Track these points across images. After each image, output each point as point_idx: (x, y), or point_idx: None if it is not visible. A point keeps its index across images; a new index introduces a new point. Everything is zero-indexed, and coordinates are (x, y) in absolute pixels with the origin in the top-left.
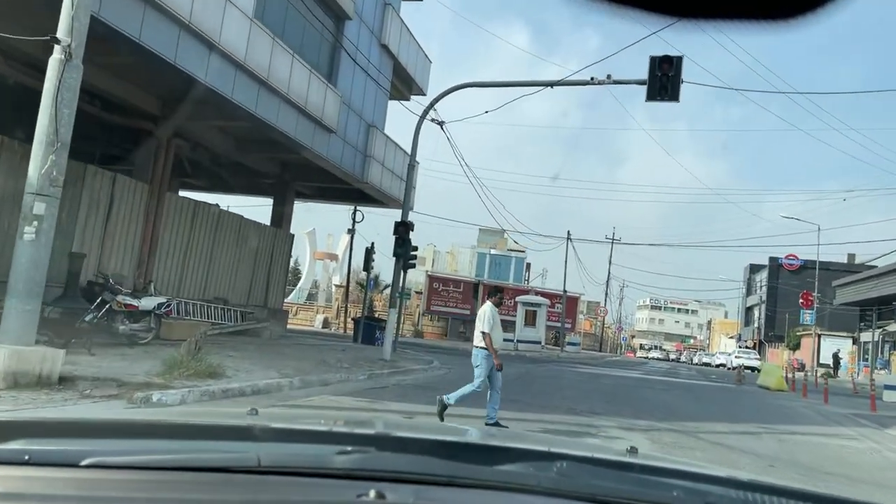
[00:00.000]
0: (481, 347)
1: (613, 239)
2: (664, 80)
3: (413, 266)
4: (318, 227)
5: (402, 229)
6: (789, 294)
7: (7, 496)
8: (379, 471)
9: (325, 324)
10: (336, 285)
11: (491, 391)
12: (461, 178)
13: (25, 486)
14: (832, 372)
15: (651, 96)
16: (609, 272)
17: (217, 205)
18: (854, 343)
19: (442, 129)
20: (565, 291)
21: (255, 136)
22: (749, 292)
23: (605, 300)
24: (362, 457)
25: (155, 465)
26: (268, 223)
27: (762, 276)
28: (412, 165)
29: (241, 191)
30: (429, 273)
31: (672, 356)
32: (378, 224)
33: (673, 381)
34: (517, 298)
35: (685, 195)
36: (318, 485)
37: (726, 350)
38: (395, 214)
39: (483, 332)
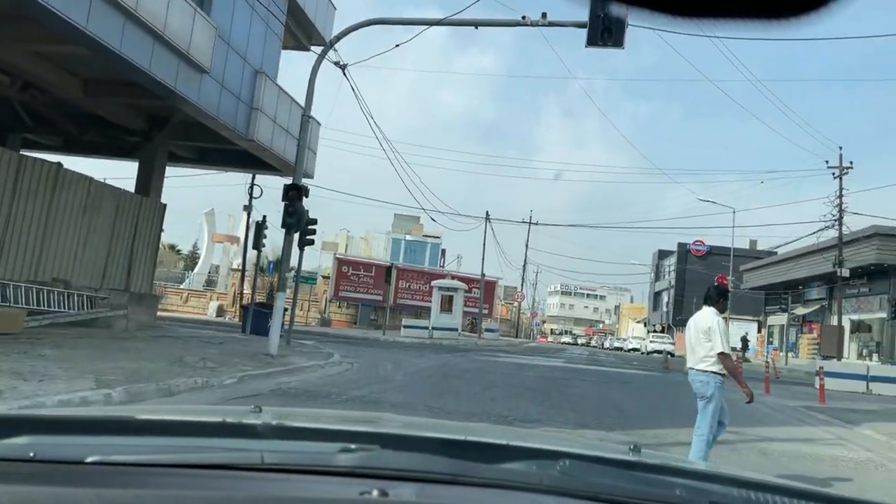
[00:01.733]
0: (714, 373)
1: (531, 220)
2: (607, 21)
3: (311, 242)
4: (219, 208)
5: (294, 194)
6: (696, 279)
7: (12, 493)
8: (382, 469)
9: (220, 312)
10: (233, 269)
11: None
12: (378, 153)
13: (31, 482)
14: (743, 355)
15: (592, 41)
16: (526, 256)
17: (59, 163)
18: (760, 327)
19: (344, 73)
20: (483, 275)
21: (106, 74)
22: (657, 277)
23: (522, 284)
24: (365, 455)
25: (159, 463)
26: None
27: (671, 262)
28: (307, 118)
29: (101, 151)
30: (337, 256)
31: (581, 341)
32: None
33: (601, 371)
34: (433, 283)
35: (603, 179)
36: (322, 482)
37: (634, 334)
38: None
39: (722, 353)
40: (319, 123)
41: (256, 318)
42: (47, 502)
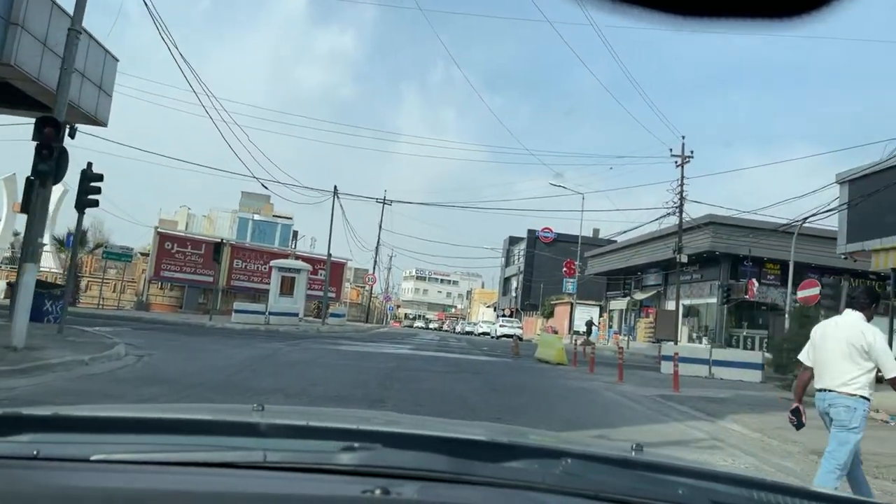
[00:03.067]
0: (864, 398)
1: (385, 199)
2: None
3: (94, 204)
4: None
5: (50, 132)
6: (544, 265)
7: (16, 492)
8: (384, 467)
9: (9, 291)
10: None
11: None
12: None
13: (35, 481)
14: (587, 339)
15: None
16: (379, 236)
17: None
18: (602, 311)
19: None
20: (330, 255)
21: None
22: (508, 263)
23: (375, 267)
24: (368, 453)
25: (162, 461)
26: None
27: (521, 248)
28: (74, 32)
29: None
30: (158, 229)
31: (433, 325)
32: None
33: (451, 359)
34: (272, 263)
35: (458, 165)
36: (324, 481)
37: (485, 318)
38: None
39: (893, 378)
40: (116, 59)
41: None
42: (51, 501)
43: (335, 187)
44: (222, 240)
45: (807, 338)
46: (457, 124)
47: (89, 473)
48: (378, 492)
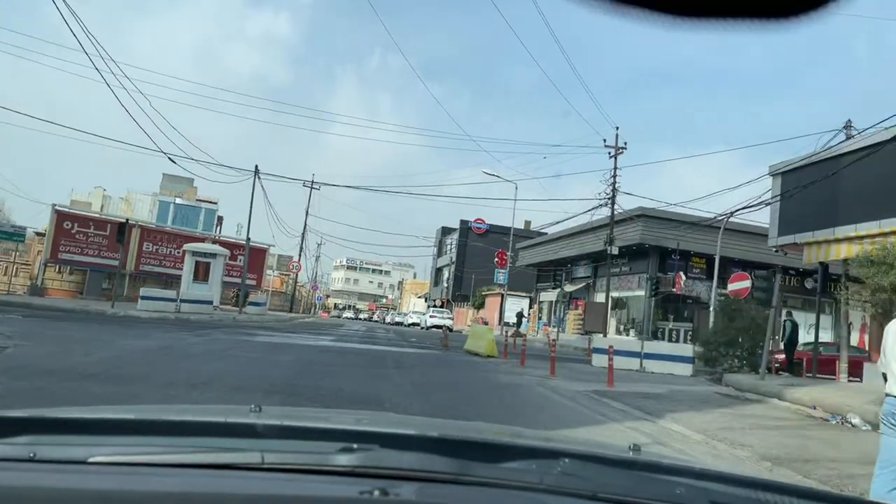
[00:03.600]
0: None
1: (312, 182)
2: None
3: None
4: None
5: None
6: (477, 255)
7: (13, 495)
8: (382, 468)
9: None
10: None
11: None
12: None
13: (32, 483)
14: (517, 330)
15: None
16: (306, 222)
17: None
18: (532, 303)
19: None
20: (249, 239)
21: None
22: (440, 253)
23: (300, 254)
24: (366, 454)
25: (160, 462)
26: None
27: (453, 238)
28: None
29: None
30: (56, 207)
31: (363, 315)
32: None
33: (375, 352)
34: (185, 247)
35: (393, 153)
36: (322, 482)
37: (417, 309)
38: None
39: None
40: None
41: None
42: (49, 503)
43: (256, 167)
44: (127, 220)
45: (736, 331)
46: (393, 113)
47: (86, 475)
48: (376, 493)
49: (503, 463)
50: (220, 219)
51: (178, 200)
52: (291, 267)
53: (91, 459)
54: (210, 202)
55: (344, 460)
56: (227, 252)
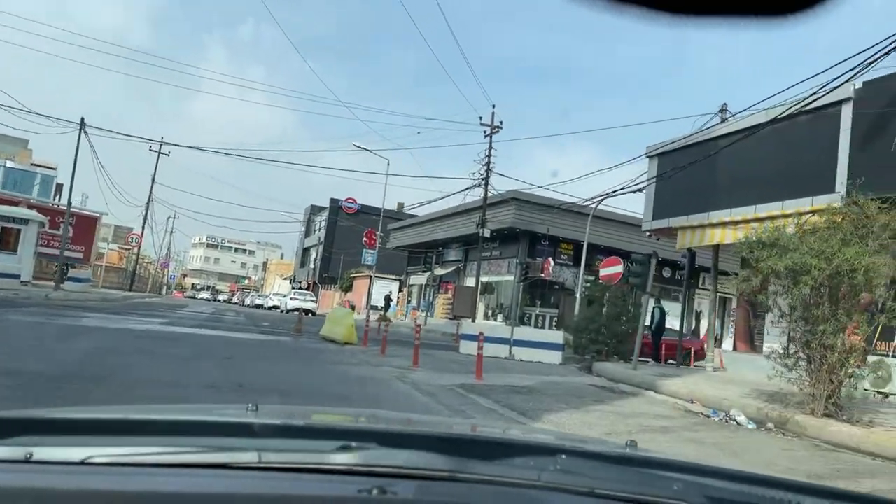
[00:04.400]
0: None
1: (161, 143)
2: None
3: None
4: None
5: None
6: (347, 236)
7: (9, 496)
8: (381, 466)
9: None
10: None
11: None
12: None
13: (28, 485)
14: (384, 314)
15: None
16: (152, 189)
17: None
18: (402, 286)
19: None
20: (70, 204)
21: None
22: (308, 233)
23: (144, 225)
24: (364, 453)
25: (157, 463)
26: None
27: (322, 218)
28: None
29: None
30: None
31: (223, 297)
32: None
33: (207, 338)
34: None
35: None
36: (320, 481)
37: (280, 291)
38: None
39: None
40: None
41: None
42: None
43: (82, 119)
44: None
45: (607, 318)
46: (267, 86)
47: (83, 476)
48: (375, 491)
49: (501, 460)
50: (60, 186)
51: (8, 164)
52: (130, 240)
53: (87, 460)
54: (48, 167)
55: (342, 459)
56: (43, 218)
